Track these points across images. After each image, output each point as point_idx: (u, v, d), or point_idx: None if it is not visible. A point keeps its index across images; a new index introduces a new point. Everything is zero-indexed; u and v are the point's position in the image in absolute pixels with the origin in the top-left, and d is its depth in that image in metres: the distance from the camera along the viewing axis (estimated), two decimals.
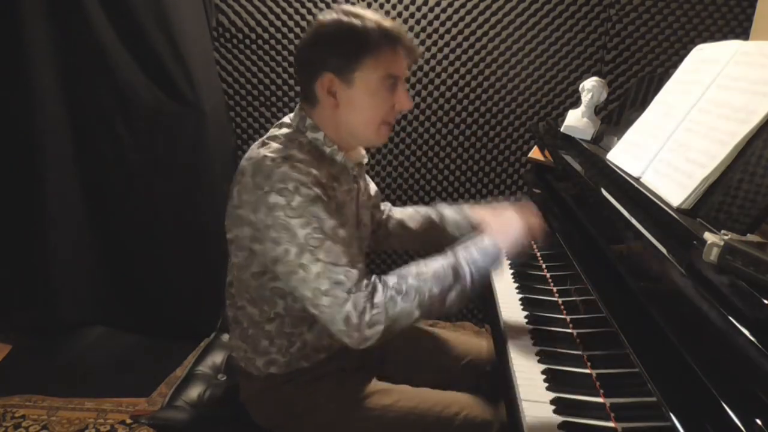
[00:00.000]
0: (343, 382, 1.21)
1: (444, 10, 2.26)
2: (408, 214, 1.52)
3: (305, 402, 1.19)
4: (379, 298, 1.03)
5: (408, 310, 1.04)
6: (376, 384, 1.24)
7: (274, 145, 1.10)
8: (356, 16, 1.10)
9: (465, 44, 2.30)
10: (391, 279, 1.07)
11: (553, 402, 0.99)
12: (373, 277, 1.07)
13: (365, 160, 1.30)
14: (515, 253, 1.19)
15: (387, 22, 1.11)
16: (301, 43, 1.18)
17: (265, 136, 1.17)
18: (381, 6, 2.25)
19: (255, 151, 1.11)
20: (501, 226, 1.22)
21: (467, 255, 1.12)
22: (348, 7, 1.13)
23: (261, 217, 1.05)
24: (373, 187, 1.42)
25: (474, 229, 1.41)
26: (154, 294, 2.42)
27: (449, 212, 1.50)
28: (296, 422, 1.20)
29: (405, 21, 2.27)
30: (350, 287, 1.02)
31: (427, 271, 1.08)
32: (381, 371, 1.35)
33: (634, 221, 1.01)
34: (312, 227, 1.03)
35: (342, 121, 1.14)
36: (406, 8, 2.26)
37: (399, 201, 2.53)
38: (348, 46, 1.09)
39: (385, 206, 1.52)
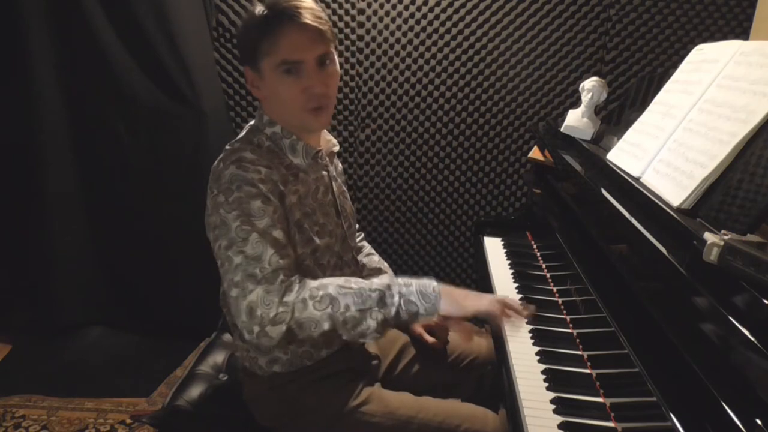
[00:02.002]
0: (346, 384, 1.20)
1: (444, 10, 2.26)
2: (373, 262, 1.47)
3: (308, 402, 1.19)
4: (290, 297, 1.00)
5: (316, 319, 1.01)
6: (379, 389, 1.24)
7: (230, 149, 1.12)
8: (263, 3, 1.08)
9: (465, 44, 2.30)
10: (312, 282, 1.04)
11: (553, 402, 1.00)
12: (294, 277, 1.04)
13: (336, 149, 1.30)
14: (457, 312, 1.07)
15: (280, 4, 1.05)
16: None
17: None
18: (381, 6, 2.25)
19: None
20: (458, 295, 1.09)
21: (403, 289, 1.05)
22: None
23: (212, 220, 1.07)
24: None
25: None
26: (155, 294, 2.42)
27: None
28: (298, 422, 1.20)
29: (405, 21, 2.27)
30: (260, 279, 1.00)
31: (351, 287, 1.04)
32: (384, 373, 1.35)
33: (634, 221, 1.01)
34: (241, 220, 1.03)
35: (275, 109, 1.15)
36: (406, 8, 2.26)
37: (399, 201, 2.53)
38: (246, 36, 1.09)
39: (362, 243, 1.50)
